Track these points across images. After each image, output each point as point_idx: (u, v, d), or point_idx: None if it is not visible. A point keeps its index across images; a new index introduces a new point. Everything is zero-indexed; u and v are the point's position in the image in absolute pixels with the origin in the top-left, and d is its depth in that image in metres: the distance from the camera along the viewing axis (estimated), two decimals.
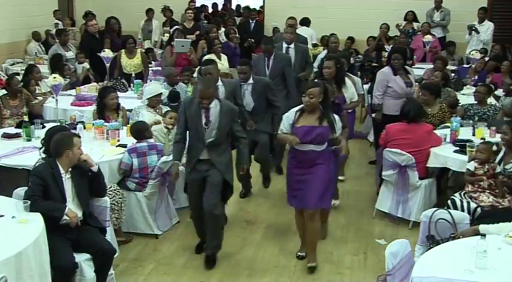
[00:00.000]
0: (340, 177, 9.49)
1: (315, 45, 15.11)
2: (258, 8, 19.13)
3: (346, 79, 8.80)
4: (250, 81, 8.84)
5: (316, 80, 8.11)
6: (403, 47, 11.27)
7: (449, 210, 6.49)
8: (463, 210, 6.91)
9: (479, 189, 7.36)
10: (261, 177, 9.52)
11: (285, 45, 10.94)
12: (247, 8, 18.63)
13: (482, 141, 7.84)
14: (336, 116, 6.90)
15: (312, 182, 6.82)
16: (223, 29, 16.22)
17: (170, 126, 8.50)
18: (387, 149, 8.39)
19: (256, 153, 8.99)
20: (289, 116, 6.87)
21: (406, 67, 10.12)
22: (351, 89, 8.64)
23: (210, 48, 12.64)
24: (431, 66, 12.21)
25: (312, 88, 6.74)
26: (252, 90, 8.86)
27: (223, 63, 12.11)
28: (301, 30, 14.52)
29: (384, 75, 9.88)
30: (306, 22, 15.91)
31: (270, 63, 10.11)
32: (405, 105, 8.73)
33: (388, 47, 14.25)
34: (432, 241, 5.90)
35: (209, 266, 7.09)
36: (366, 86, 12.43)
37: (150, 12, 17.26)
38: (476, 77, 12.83)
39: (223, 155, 7.06)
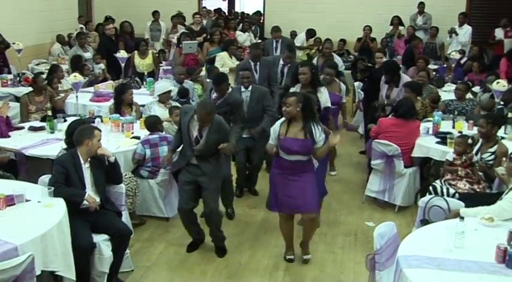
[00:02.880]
0: (331, 173, 9.53)
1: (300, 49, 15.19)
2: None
3: (321, 88, 8.35)
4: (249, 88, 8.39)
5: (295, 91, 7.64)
6: (389, 62, 11.15)
7: (447, 198, 6.56)
8: (442, 195, 6.93)
9: (457, 178, 7.38)
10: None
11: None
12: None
13: (458, 135, 7.86)
14: (319, 128, 6.50)
15: (300, 188, 6.52)
16: (238, 32, 16.36)
17: (176, 123, 8.55)
18: (376, 140, 8.41)
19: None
20: (275, 128, 6.53)
21: (402, 75, 10.21)
22: (325, 95, 8.45)
23: (225, 47, 12.67)
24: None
25: (288, 98, 6.36)
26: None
27: (233, 62, 12.15)
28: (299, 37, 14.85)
29: (381, 80, 10.13)
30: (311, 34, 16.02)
31: (258, 68, 9.92)
32: (399, 101, 8.85)
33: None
34: (426, 225, 5.92)
35: (222, 254, 7.03)
36: (357, 84, 12.50)
37: (156, 13, 17.22)
38: (451, 75, 12.95)
39: (211, 162, 6.79)
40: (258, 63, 9.95)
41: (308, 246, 7.02)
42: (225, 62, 11.94)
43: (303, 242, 7.00)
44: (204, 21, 16.76)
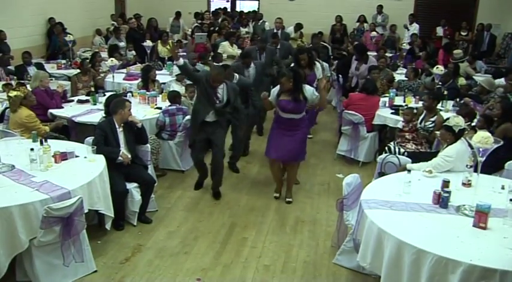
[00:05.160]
0: (308, 136, 9.56)
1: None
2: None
3: (317, 64, 8.73)
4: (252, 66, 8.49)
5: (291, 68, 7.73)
6: (359, 44, 11.23)
7: (398, 156, 6.66)
8: (395, 153, 6.97)
9: (406, 140, 7.45)
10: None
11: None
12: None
13: (406, 107, 7.98)
14: (310, 88, 6.63)
15: (292, 143, 6.61)
16: (242, 29, 16.19)
17: (190, 98, 8.53)
18: (346, 111, 8.43)
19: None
20: (275, 90, 6.61)
21: (370, 57, 10.40)
22: (319, 70, 8.61)
23: (227, 37, 12.63)
24: (375, 53, 12.25)
25: (281, 78, 6.51)
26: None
27: (233, 49, 12.08)
28: (288, 30, 14.66)
29: (353, 58, 10.38)
30: (299, 26, 15.80)
31: (262, 57, 9.70)
32: (366, 82, 8.95)
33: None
34: (382, 176, 5.95)
35: (218, 197, 7.11)
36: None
37: (178, 13, 17.10)
38: (403, 61, 13.01)
39: (224, 118, 6.98)
40: (264, 52, 9.83)
41: (291, 191, 7.10)
42: (225, 49, 11.84)
43: (287, 187, 7.11)
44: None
